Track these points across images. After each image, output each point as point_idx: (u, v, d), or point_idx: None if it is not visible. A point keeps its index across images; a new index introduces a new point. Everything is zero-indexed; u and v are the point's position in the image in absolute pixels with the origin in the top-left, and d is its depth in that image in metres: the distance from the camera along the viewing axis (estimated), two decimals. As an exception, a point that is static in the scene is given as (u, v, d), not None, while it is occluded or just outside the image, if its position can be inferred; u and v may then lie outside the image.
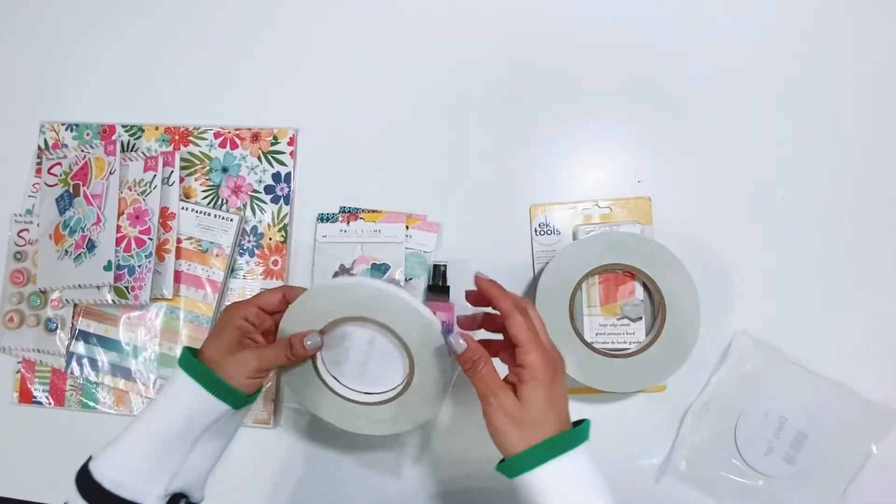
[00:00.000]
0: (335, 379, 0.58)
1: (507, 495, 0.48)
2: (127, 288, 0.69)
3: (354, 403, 0.57)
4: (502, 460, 0.47)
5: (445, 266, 0.67)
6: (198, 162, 0.73)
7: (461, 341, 0.48)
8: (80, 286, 0.70)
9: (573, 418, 0.48)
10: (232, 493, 0.68)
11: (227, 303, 0.70)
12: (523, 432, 0.46)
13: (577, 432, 0.47)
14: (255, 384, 0.53)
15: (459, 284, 0.67)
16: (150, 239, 0.69)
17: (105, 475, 0.48)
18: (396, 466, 0.68)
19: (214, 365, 0.51)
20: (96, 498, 0.47)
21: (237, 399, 0.51)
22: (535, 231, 0.68)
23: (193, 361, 0.51)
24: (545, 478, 0.45)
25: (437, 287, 0.66)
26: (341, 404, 0.58)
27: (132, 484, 0.48)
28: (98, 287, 0.69)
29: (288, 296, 0.55)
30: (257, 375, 0.52)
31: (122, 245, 0.70)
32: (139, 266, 0.69)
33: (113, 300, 0.69)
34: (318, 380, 0.57)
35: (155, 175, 0.71)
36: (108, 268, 0.69)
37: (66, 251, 0.71)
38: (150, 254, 0.69)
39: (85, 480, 0.48)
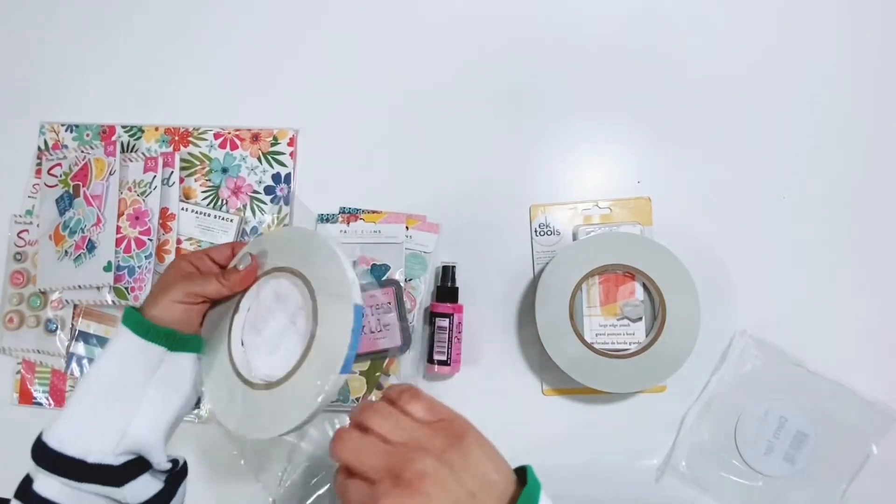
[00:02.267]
0: (242, 345, 0.52)
1: None
2: (127, 289, 0.69)
3: (239, 380, 0.51)
4: None
5: (454, 267, 0.67)
6: (198, 162, 0.73)
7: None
8: (79, 287, 0.70)
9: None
10: (231, 493, 0.68)
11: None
12: None
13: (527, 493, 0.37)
14: (187, 317, 0.51)
15: (461, 285, 0.67)
16: (150, 240, 0.69)
17: (52, 436, 0.47)
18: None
19: (147, 308, 0.50)
20: (44, 460, 0.46)
21: (170, 338, 0.49)
22: (535, 231, 0.68)
23: (128, 311, 0.50)
24: None
25: (446, 288, 0.66)
26: (227, 377, 0.51)
27: (76, 441, 0.46)
28: (98, 288, 0.69)
29: (237, 250, 0.56)
30: (186, 301, 0.51)
31: (122, 246, 0.70)
32: (139, 267, 0.69)
33: (113, 301, 0.69)
34: (227, 337, 0.52)
35: (155, 176, 0.71)
36: (107, 268, 0.69)
37: (66, 252, 0.71)
38: (150, 255, 0.69)
39: (36, 445, 0.48)
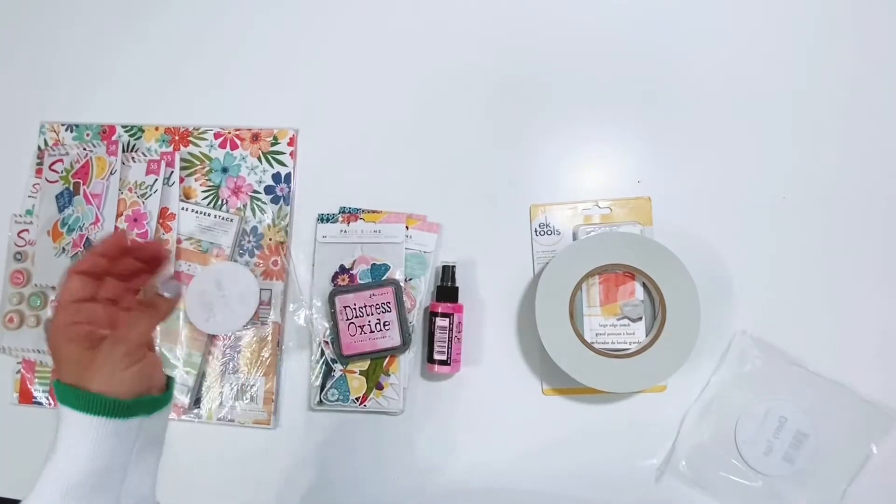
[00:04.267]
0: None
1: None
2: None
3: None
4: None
5: (454, 266, 0.67)
6: (198, 162, 0.73)
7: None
8: (79, 286, 0.70)
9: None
10: (231, 494, 0.68)
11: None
12: None
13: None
14: (143, 372, 0.44)
15: (461, 285, 0.67)
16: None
17: None
18: (397, 466, 0.68)
19: (87, 384, 0.42)
20: None
21: (146, 405, 0.44)
22: (535, 231, 0.68)
23: (76, 393, 0.42)
24: None
25: (446, 288, 0.66)
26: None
27: None
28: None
29: (121, 240, 0.46)
30: (131, 361, 0.44)
31: (122, 245, 0.70)
32: (139, 266, 0.69)
33: (112, 300, 0.69)
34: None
35: (156, 179, 0.71)
36: (107, 268, 0.69)
37: (64, 249, 0.71)
38: (149, 255, 0.69)
39: None
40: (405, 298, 0.67)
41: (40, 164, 0.75)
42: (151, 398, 0.45)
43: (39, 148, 0.76)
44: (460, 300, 0.67)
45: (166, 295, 0.47)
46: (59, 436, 0.43)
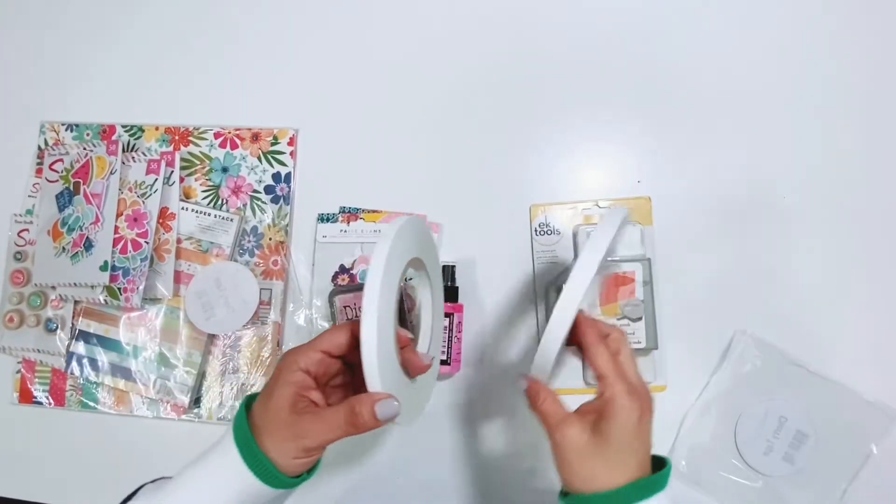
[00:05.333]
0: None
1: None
2: (119, 289, 0.69)
3: None
4: (565, 493, 0.45)
5: (454, 267, 0.67)
6: (198, 162, 0.73)
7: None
8: (75, 285, 0.70)
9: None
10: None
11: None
12: (597, 470, 0.43)
13: (657, 479, 0.44)
14: (301, 465, 0.45)
15: (461, 285, 0.67)
16: (147, 242, 0.69)
17: None
18: (396, 465, 0.68)
19: (259, 432, 0.43)
20: None
21: (275, 479, 0.44)
22: (535, 231, 0.68)
23: (243, 422, 0.44)
24: None
25: (446, 288, 0.66)
26: None
27: None
28: (92, 287, 0.69)
29: (356, 331, 0.43)
30: (304, 456, 0.44)
31: (119, 247, 0.70)
32: (133, 269, 0.69)
33: (105, 300, 0.69)
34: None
35: (157, 178, 0.71)
36: (104, 268, 0.69)
37: (64, 248, 0.71)
38: (146, 257, 0.69)
39: None
40: (405, 298, 0.67)
41: (40, 163, 0.75)
42: (284, 477, 0.45)
43: (39, 148, 0.76)
44: (460, 300, 0.67)
45: (378, 414, 0.42)
46: (206, 458, 0.46)
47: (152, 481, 0.50)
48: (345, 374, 0.49)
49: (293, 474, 0.45)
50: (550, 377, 0.48)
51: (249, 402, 0.46)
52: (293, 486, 0.46)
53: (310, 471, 0.47)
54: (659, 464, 0.46)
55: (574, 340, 0.49)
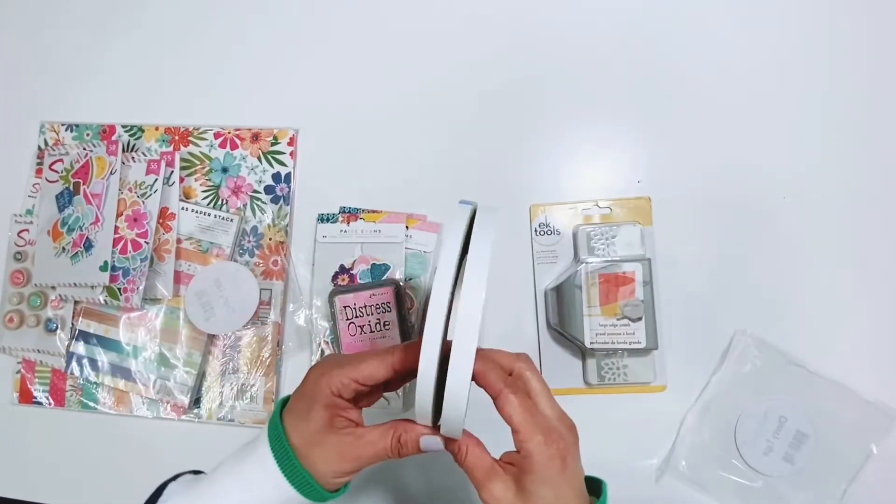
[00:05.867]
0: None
1: None
2: (119, 290, 0.69)
3: None
4: None
5: None
6: (198, 162, 0.73)
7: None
8: (75, 285, 0.70)
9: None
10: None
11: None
12: None
13: None
14: (342, 482, 0.45)
15: (459, 284, 0.67)
16: (147, 242, 0.69)
17: None
18: (396, 465, 0.68)
19: (298, 450, 0.44)
20: None
21: (316, 494, 0.44)
22: (535, 231, 0.68)
23: (282, 438, 0.44)
24: None
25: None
26: None
27: None
28: (92, 287, 0.69)
29: (398, 364, 0.43)
30: (345, 476, 0.44)
31: (119, 247, 0.70)
32: (133, 269, 0.69)
33: (105, 300, 0.69)
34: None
35: (157, 179, 0.71)
36: (104, 268, 0.69)
37: (64, 248, 0.71)
38: (146, 258, 0.69)
39: None
40: (405, 298, 0.67)
41: (40, 164, 0.75)
42: (325, 492, 0.45)
43: (39, 148, 0.76)
44: (460, 300, 0.67)
45: (422, 446, 0.43)
46: (240, 463, 0.45)
47: (173, 478, 0.48)
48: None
49: (333, 489, 0.46)
50: (465, 416, 0.41)
51: (280, 410, 0.46)
52: (333, 499, 0.46)
53: (346, 483, 0.47)
54: (595, 486, 0.44)
55: (477, 382, 0.43)
